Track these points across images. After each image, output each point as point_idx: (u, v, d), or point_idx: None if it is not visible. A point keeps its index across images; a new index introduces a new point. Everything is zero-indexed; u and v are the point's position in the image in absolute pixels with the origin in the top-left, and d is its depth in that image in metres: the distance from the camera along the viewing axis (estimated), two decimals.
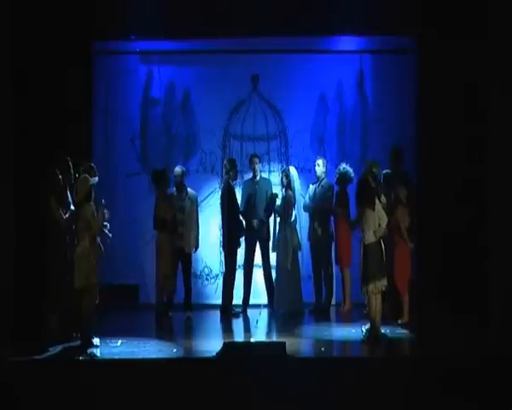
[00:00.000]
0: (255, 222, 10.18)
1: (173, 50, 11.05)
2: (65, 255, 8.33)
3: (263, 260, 10.30)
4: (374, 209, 8.34)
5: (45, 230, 8.45)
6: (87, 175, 8.20)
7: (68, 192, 8.56)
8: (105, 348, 7.94)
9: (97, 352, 7.78)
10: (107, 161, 10.91)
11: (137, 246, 10.79)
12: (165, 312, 9.68)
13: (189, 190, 10.10)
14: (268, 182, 10.49)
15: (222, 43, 10.69)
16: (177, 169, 10.03)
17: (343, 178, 10.00)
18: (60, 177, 8.45)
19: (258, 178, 10.38)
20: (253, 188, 10.36)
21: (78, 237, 8.08)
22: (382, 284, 8.28)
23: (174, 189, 10.02)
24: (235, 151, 11.12)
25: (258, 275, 10.44)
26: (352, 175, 9.94)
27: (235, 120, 11.16)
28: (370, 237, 8.33)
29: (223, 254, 10.48)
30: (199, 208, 10.39)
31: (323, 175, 10.18)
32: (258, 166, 10.37)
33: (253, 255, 10.32)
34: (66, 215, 8.39)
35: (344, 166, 10.03)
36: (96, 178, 8.36)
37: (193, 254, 10.21)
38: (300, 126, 11.12)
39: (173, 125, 11.21)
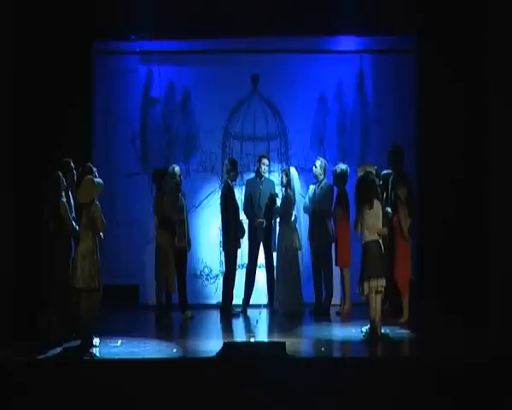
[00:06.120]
0: (259, 222, 10.17)
1: (173, 50, 11.06)
2: (70, 257, 8.34)
3: (266, 260, 10.30)
4: (371, 208, 8.33)
5: (48, 231, 8.41)
6: (91, 176, 8.20)
7: (70, 193, 8.57)
8: (105, 348, 7.93)
9: (97, 352, 7.78)
10: (107, 161, 10.93)
11: (137, 246, 10.79)
12: (165, 312, 9.68)
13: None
14: (272, 183, 10.47)
15: (222, 43, 10.71)
16: (178, 168, 10.00)
17: (340, 178, 10.00)
18: (63, 178, 8.43)
19: (263, 178, 10.38)
20: (257, 188, 10.35)
21: (81, 236, 8.07)
22: (379, 283, 8.27)
23: (169, 188, 9.92)
24: (235, 151, 11.13)
25: (258, 275, 10.43)
26: (348, 173, 9.93)
27: (235, 120, 11.17)
28: (367, 236, 8.33)
29: (223, 254, 10.47)
30: (198, 208, 10.40)
31: (322, 176, 10.16)
32: (266, 167, 10.37)
33: (257, 255, 10.32)
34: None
35: (339, 166, 10.03)
36: (99, 179, 8.35)
37: (191, 254, 10.23)
38: (300, 126, 11.14)
39: (173, 125, 11.22)
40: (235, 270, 10.16)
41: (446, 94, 9.68)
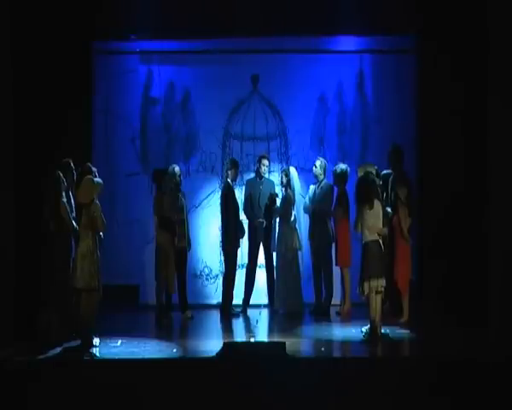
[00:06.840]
0: (259, 222, 10.17)
1: (173, 50, 11.07)
2: (70, 256, 8.34)
3: (266, 260, 10.29)
4: (371, 208, 8.34)
5: (49, 231, 8.40)
6: (90, 176, 8.20)
7: (70, 193, 8.57)
8: (105, 348, 7.93)
9: (97, 352, 7.78)
10: (107, 161, 10.93)
11: (137, 246, 10.79)
12: (165, 312, 9.68)
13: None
14: (272, 183, 10.47)
15: (222, 43, 10.71)
16: (178, 168, 9.98)
17: (340, 178, 10.00)
18: (63, 179, 8.43)
19: (263, 178, 10.37)
20: (257, 188, 10.35)
21: (81, 236, 8.07)
22: (379, 284, 8.27)
23: (169, 188, 9.90)
24: (235, 151, 11.13)
25: (258, 275, 10.43)
26: (348, 173, 9.92)
27: (235, 120, 11.17)
28: (367, 236, 8.34)
29: (223, 254, 10.47)
30: (198, 208, 10.40)
31: (322, 176, 10.16)
32: (266, 168, 10.36)
33: (257, 255, 10.31)
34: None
35: (339, 166, 10.03)
36: (99, 179, 8.35)
37: (191, 254, 10.24)
38: (300, 126, 11.14)
39: (173, 125, 11.22)
40: (235, 270, 10.16)
41: (446, 94, 9.68)
